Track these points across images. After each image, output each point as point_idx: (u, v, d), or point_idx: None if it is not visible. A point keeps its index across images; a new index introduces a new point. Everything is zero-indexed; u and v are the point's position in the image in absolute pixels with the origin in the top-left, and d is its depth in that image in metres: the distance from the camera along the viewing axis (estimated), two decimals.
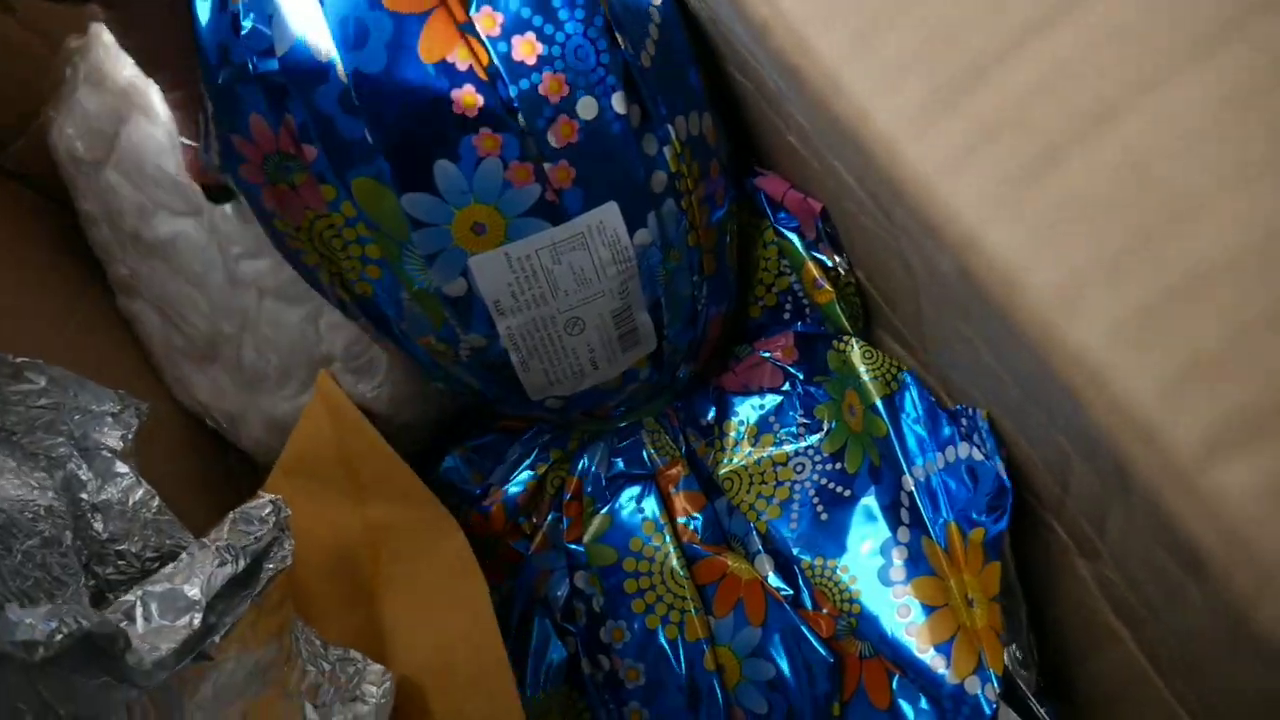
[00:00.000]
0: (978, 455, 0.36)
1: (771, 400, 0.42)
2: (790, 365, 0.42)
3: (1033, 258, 0.19)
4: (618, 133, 0.30)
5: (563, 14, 0.29)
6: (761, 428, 0.42)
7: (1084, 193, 0.19)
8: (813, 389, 0.42)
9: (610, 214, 0.31)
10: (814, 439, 0.42)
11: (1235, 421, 0.17)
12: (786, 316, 0.44)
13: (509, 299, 0.32)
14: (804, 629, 0.40)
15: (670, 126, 0.31)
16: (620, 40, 0.29)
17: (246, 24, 0.29)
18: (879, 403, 0.40)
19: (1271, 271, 0.17)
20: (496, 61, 0.28)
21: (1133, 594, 0.26)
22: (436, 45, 0.28)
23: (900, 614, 0.39)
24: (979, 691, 0.37)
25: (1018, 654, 0.38)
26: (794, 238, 0.43)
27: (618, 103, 0.30)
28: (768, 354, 0.43)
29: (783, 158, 0.38)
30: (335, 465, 0.39)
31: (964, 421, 0.36)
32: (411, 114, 0.28)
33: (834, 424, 0.41)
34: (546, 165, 0.30)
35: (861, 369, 0.41)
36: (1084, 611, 0.32)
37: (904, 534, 0.40)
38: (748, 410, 0.42)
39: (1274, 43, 0.18)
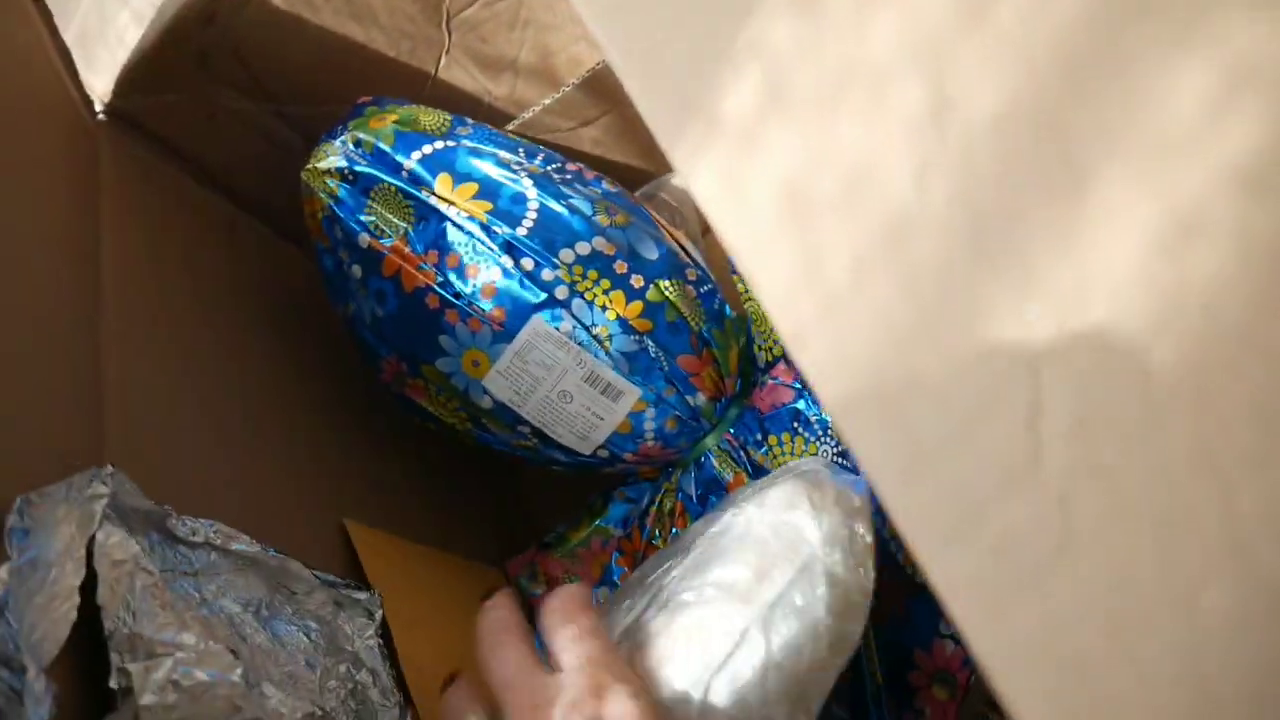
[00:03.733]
0: None
1: (788, 411, 0.54)
2: (792, 382, 0.54)
3: None
4: (516, 278, 0.49)
5: (465, 237, 0.50)
6: (793, 434, 0.54)
7: None
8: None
9: (537, 323, 0.50)
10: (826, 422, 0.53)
11: None
12: None
13: (515, 396, 0.52)
14: None
15: (555, 258, 0.50)
16: (498, 230, 0.49)
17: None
18: None
19: None
20: (441, 275, 0.50)
21: None
22: (404, 278, 0.51)
23: None
24: None
25: None
26: None
27: (507, 263, 0.49)
28: (777, 379, 0.55)
29: None
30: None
31: None
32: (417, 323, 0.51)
33: None
34: (486, 312, 0.50)
35: None
36: None
37: None
38: (778, 424, 0.55)
39: None
